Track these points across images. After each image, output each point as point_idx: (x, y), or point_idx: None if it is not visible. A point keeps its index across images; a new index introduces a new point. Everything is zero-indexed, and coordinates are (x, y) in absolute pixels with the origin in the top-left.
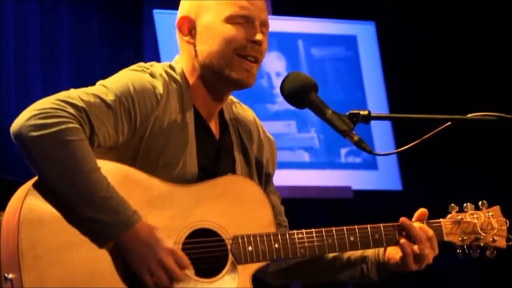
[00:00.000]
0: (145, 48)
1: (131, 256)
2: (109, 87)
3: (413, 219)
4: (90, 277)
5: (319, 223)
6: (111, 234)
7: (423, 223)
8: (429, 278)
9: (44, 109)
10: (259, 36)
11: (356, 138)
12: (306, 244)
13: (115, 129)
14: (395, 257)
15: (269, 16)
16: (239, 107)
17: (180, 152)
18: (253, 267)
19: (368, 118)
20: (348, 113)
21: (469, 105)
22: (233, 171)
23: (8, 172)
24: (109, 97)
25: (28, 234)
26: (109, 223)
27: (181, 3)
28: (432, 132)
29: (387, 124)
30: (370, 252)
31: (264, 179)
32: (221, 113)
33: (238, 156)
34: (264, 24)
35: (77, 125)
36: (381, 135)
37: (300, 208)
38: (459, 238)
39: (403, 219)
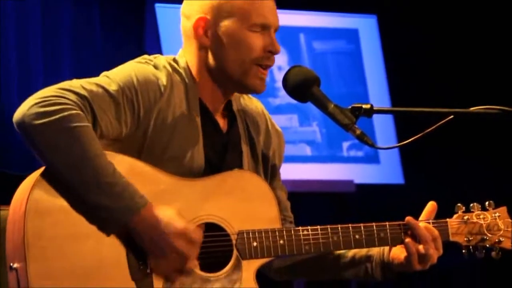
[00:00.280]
0: (147, 42)
1: (142, 240)
2: (112, 77)
3: (423, 213)
4: (96, 268)
5: (321, 217)
6: (118, 219)
7: (429, 222)
8: (433, 278)
9: (46, 97)
10: (277, 47)
11: (358, 131)
12: (311, 241)
13: (117, 119)
14: (399, 257)
15: None
16: (247, 99)
17: (186, 145)
18: (257, 262)
19: (370, 112)
20: (350, 107)
21: (471, 98)
22: (240, 164)
23: (10, 167)
24: (112, 87)
25: (34, 224)
26: (115, 208)
27: (189, 3)
28: (434, 126)
29: (389, 118)
30: (375, 251)
31: (270, 171)
32: (229, 104)
33: (245, 149)
34: (276, 30)
35: (79, 111)
36: (383, 128)
37: (302, 202)
38: (465, 239)
39: (408, 218)
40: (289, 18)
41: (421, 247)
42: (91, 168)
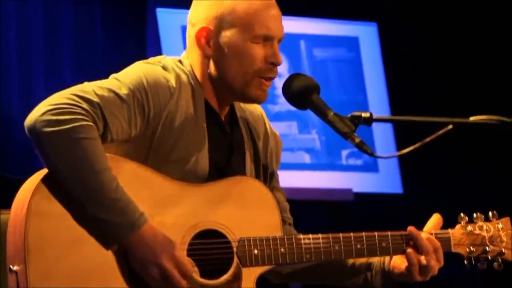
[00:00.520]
0: (148, 45)
1: (134, 258)
2: (122, 80)
3: (427, 224)
4: (94, 274)
5: (319, 226)
6: (117, 235)
7: (431, 233)
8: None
9: (59, 104)
10: (279, 59)
11: (357, 140)
12: (312, 250)
13: (128, 123)
14: (400, 267)
15: None
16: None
17: (193, 147)
18: (258, 270)
19: (369, 120)
20: (349, 115)
21: (471, 108)
22: (243, 167)
23: (9, 170)
24: (123, 91)
25: (35, 227)
26: (115, 224)
27: (195, 11)
28: (434, 135)
29: (388, 127)
30: (375, 260)
31: (268, 173)
32: (231, 107)
33: (247, 151)
34: (280, 41)
35: (91, 123)
36: (383, 137)
37: (300, 210)
38: (467, 250)
39: (411, 229)
40: (289, 25)
41: (422, 258)
42: (95, 182)
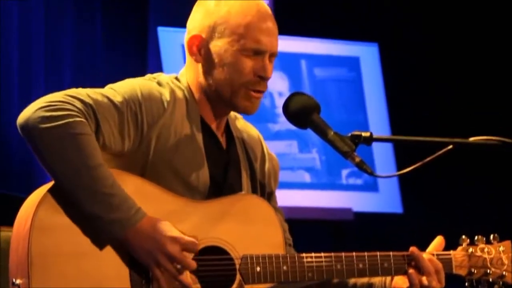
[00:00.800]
0: (149, 61)
1: (138, 252)
2: (117, 90)
3: (430, 246)
4: (98, 286)
5: (319, 245)
6: (115, 232)
7: (433, 254)
8: None
9: (52, 101)
10: (269, 73)
11: (357, 159)
12: (315, 268)
13: (120, 130)
14: (401, 287)
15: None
16: (243, 123)
17: (191, 163)
18: None
19: (370, 140)
20: (350, 135)
21: (471, 128)
22: (239, 185)
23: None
24: (117, 99)
25: (38, 242)
26: (111, 220)
27: (194, 15)
28: (434, 155)
29: (388, 146)
30: (376, 280)
31: (266, 195)
32: (227, 127)
33: (243, 171)
34: (273, 55)
35: (83, 119)
36: (383, 157)
37: (300, 229)
38: (468, 272)
39: (413, 249)
40: (291, 44)
41: (424, 279)
42: (90, 177)
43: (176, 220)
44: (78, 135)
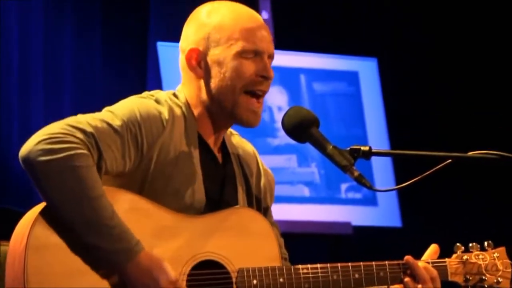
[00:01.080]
0: (148, 76)
1: (134, 285)
2: (116, 113)
3: (425, 254)
4: None
5: (318, 259)
6: (114, 262)
7: (428, 262)
8: None
9: (53, 133)
10: (270, 72)
11: (356, 173)
12: (311, 279)
13: (122, 154)
14: None
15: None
16: (238, 139)
17: (187, 180)
18: None
19: (368, 154)
20: (349, 149)
21: (470, 142)
22: (236, 201)
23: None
24: (116, 123)
25: (34, 260)
26: (112, 251)
27: (186, 32)
28: (433, 170)
29: (387, 160)
30: None
31: (262, 210)
32: (223, 144)
33: (240, 187)
34: (271, 56)
35: (85, 151)
36: (382, 171)
37: (299, 243)
38: (464, 279)
39: (408, 258)
40: (290, 59)
41: (419, 286)
42: (91, 209)
43: (171, 235)
44: (79, 167)
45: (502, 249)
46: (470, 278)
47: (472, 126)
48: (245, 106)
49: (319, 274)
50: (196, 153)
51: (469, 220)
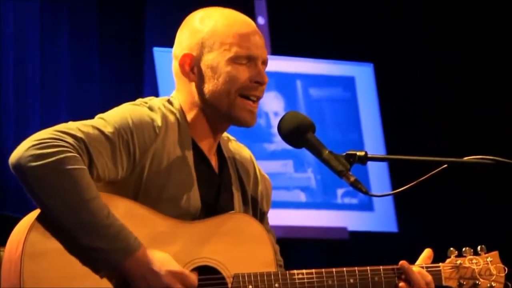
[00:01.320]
0: (145, 81)
1: (137, 283)
2: (107, 120)
3: (419, 259)
4: None
5: (314, 264)
6: (113, 261)
7: (423, 267)
8: None
9: (43, 139)
10: (264, 78)
11: (352, 178)
12: (306, 285)
13: (113, 161)
14: None
15: (268, 56)
16: (235, 145)
17: (182, 187)
18: None
19: (364, 159)
20: (345, 154)
21: (466, 148)
22: (232, 206)
23: (4, 208)
24: (108, 129)
25: (31, 267)
26: (109, 250)
27: (179, 38)
28: (429, 174)
29: (383, 165)
30: None
31: (258, 215)
32: (219, 148)
33: (236, 192)
34: (264, 62)
35: (75, 154)
36: (378, 176)
37: (295, 248)
38: (458, 283)
39: (402, 263)
40: (286, 65)
41: None
42: (87, 211)
43: (167, 241)
44: (71, 170)
45: (495, 253)
46: (464, 282)
47: (467, 131)
48: (241, 106)
49: (314, 279)
50: (190, 159)
51: (465, 224)
